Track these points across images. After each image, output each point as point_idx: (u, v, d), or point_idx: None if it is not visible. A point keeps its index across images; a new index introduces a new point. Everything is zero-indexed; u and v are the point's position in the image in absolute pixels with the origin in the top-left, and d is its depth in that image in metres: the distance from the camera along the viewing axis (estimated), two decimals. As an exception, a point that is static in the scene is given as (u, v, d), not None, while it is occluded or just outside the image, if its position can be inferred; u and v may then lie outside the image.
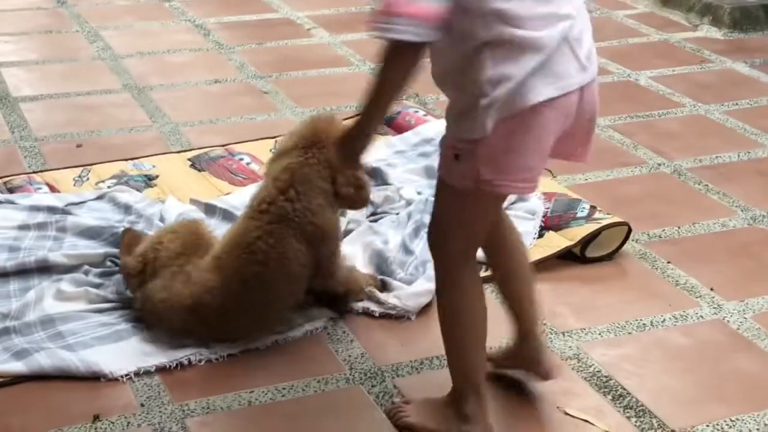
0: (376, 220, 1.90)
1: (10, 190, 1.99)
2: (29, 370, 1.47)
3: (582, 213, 1.87)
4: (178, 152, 2.20)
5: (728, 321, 1.66)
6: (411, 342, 1.56)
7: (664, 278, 1.78)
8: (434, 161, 1.63)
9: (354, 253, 1.75)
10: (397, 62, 1.16)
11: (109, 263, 1.72)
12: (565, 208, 1.89)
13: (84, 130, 2.33)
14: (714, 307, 1.69)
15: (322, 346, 1.56)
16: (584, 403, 1.44)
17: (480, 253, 1.35)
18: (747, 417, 1.42)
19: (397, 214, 1.91)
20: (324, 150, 1.50)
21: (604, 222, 1.83)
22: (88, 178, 2.07)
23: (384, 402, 1.43)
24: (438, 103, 2.39)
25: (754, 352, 1.58)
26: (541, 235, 1.84)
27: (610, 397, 1.46)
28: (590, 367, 1.52)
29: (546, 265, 1.78)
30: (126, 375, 1.47)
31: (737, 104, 2.55)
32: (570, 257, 1.81)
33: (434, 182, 1.29)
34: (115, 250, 1.74)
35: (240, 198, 1.90)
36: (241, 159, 2.15)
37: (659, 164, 2.21)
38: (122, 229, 1.76)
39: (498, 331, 1.43)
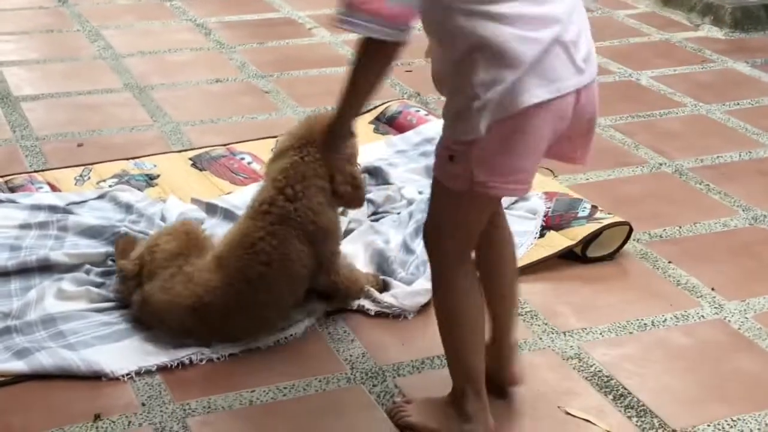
0: (377, 220, 1.90)
1: (12, 190, 1.99)
2: (30, 369, 1.47)
3: (583, 213, 1.87)
4: (179, 152, 2.20)
5: (729, 321, 1.66)
6: (412, 341, 1.56)
7: (665, 278, 1.78)
8: (435, 161, 1.64)
9: (355, 253, 1.75)
10: (367, 59, 1.18)
11: (110, 262, 1.72)
12: (566, 207, 1.89)
13: (85, 130, 2.33)
14: (715, 307, 1.69)
15: (323, 346, 1.56)
16: (585, 402, 1.44)
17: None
18: (748, 417, 1.42)
19: (399, 213, 1.91)
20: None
21: (606, 222, 1.83)
22: (89, 178, 2.07)
23: (385, 401, 1.43)
24: (439, 103, 2.38)
25: (756, 352, 1.57)
26: (542, 235, 1.84)
27: (611, 396, 1.46)
28: (591, 366, 1.52)
29: (547, 264, 1.78)
30: (127, 374, 1.47)
31: (738, 104, 2.55)
32: (571, 257, 1.81)
33: (435, 182, 1.30)
34: (116, 250, 1.75)
35: (241, 197, 1.90)
36: (243, 158, 2.15)
37: (660, 164, 2.21)
38: (118, 233, 1.76)
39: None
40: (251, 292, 1.50)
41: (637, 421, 1.40)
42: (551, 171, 2.08)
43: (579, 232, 1.81)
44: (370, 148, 2.14)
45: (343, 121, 1.31)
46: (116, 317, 1.59)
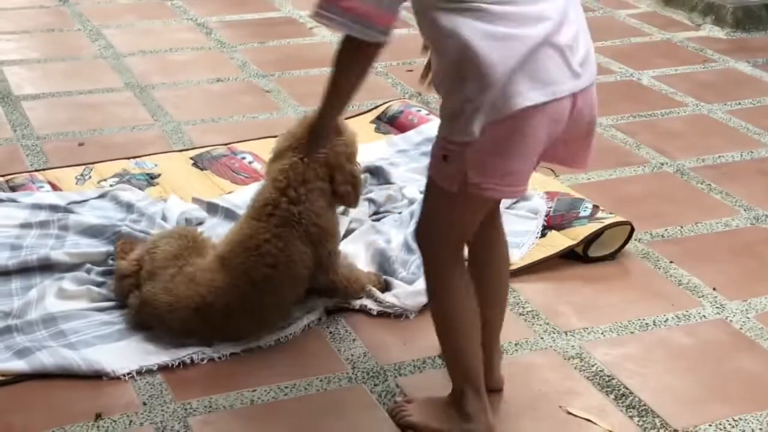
0: (378, 219, 1.89)
1: (12, 189, 1.99)
2: (31, 368, 1.47)
3: (585, 212, 1.87)
4: (180, 151, 2.20)
5: (731, 321, 1.65)
6: (413, 341, 1.56)
7: (666, 278, 1.78)
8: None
9: (356, 252, 1.75)
10: (348, 59, 1.19)
11: (111, 262, 1.72)
12: (567, 207, 1.89)
13: (86, 129, 2.32)
14: (717, 307, 1.69)
15: (325, 345, 1.56)
16: (587, 402, 1.44)
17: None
18: (750, 417, 1.42)
19: (400, 213, 1.91)
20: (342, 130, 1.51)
21: (607, 221, 1.83)
22: (90, 177, 2.07)
23: (386, 401, 1.43)
24: (440, 103, 2.38)
25: (757, 352, 1.57)
26: (543, 235, 1.83)
27: (612, 396, 1.45)
28: (593, 366, 1.52)
29: (548, 264, 1.78)
30: (128, 373, 1.47)
31: (740, 104, 2.54)
32: (572, 257, 1.81)
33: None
34: (117, 249, 1.75)
35: (242, 197, 1.90)
36: (244, 158, 2.15)
37: (662, 164, 2.21)
38: (119, 232, 1.76)
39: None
40: (256, 293, 1.51)
41: (638, 421, 1.40)
42: (552, 171, 2.08)
43: (580, 231, 1.81)
44: (371, 147, 2.14)
45: (325, 120, 1.31)
46: (117, 316, 1.58)
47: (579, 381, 1.49)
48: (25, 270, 1.69)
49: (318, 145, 1.36)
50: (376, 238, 1.79)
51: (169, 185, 2.03)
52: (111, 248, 1.75)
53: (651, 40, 3.00)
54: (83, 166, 2.10)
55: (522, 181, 1.22)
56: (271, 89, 2.59)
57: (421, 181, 2.01)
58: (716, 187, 2.10)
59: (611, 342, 1.59)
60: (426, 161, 2.07)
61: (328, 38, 2.97)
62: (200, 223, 1.88)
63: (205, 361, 1.50)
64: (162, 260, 1.54)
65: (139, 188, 2.00)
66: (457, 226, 1.27)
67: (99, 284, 1.66)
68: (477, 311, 1.31)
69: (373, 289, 1.64)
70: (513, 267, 1.74)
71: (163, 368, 1.48)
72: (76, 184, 2.04)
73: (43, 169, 2.10)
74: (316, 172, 1.51)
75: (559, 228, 1.85)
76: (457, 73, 1.15)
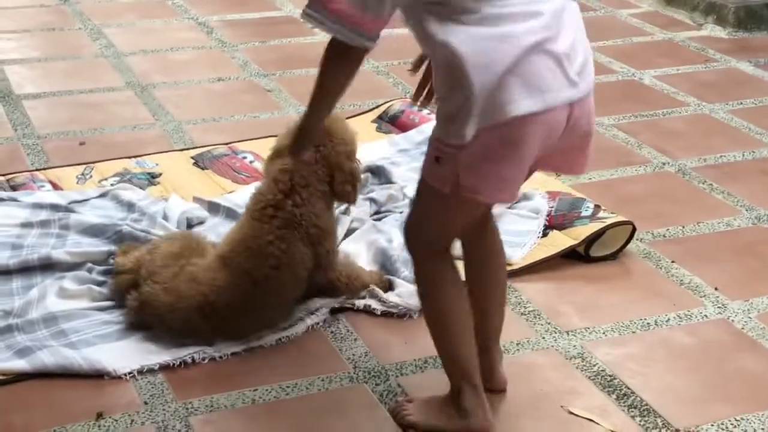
0: (380, 219, 1.89)
1: (13, 188, 1.99)
2: (32, 368, 1.46)
3: (586, 212, 1.86)
4: (181, 150, 2.20)
5: (733, 320, 1.65)
6: (415, 340, 1.56)
7: (668, 278, 1.78)
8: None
9: (358, 252, 1.74)
10: (335, 62, 1.20)
11: (112, 261, 1.71)
12: (569, 207, 1.89)
13: (87, 128, 2.32)
14: (718, 307, 1.69)
15: (326, 345, 1.56)
16: (588, 402, 1.44)
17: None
18: (751, 416, 1.41)
19: (401, 212, 1.90)
20: (319, 148, 1.52)
21: (609, 221, 1.82)
22: (91, 176, 2.06)
23: (388, 401, 1.43)
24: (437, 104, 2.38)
25: (759, 352, 1.57)
26: (545, 234, 1.83)
27: (614, 396, 1.45)
28: (594, 366, 1.52)
29: (550, 264, 1.77)
30: (129, 373, 1.46)
31: (742, 103, 2.54)
32: (574, 256, 1.80)
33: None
34: (118, 248, 1.74)
35: (243, 196, 1.89)
36: (245, 157, 2.15)
37: (663, 163, 2.21)
38: (120, 231, 1.76)
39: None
40: (257, 293, 1.51)
41: (640, 421, 1.40)
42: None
43: (582, 231, 1.81)
44: (372, 147, 2.14)
45: (311, 122, 1.32)
46: (118, 316, 1.58)
47: (580, 381, 1.48)
48: (26, 269, 1.69)
49: (304, 146, 1.36)
50: (378, 238, 1.78)
51: (170, 184, 2.03)
52: (112, 247, 1.74)
53: (652, 40, 3.00)
54: (84, 166, 2.10)
55: (514, 187, 1.23)
56: (272, 88, 2.58)
57: (422, 181, 2.02)
58: (718, 187, 2.10)
59: (613, 342, 1.58)
60: (427, 161, 2.10)
61: (330, 37, 2.97)
62: (201, 223, 1.88)
63: (206, 361, 1.50)
64: (162, 259, 1.54)
65: (140, 187, 2.00)
66: (447, 227, 1.27)
67: (100, 283, 1.66)
68: (469, 310, 1.31)
69: (377, 288, 1.64)
70: (514, 267, 1.75)
71: (165, 367, 1.48)
72: (77, 183, 2.03)
73: (44, 169, 2.10)
74: (317, 174, 1.52)
75: (561, 228, 1.84)
76: (448, 78, 1.15)
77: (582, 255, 1.81)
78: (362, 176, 1.92)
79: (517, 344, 1.57)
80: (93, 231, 1.81)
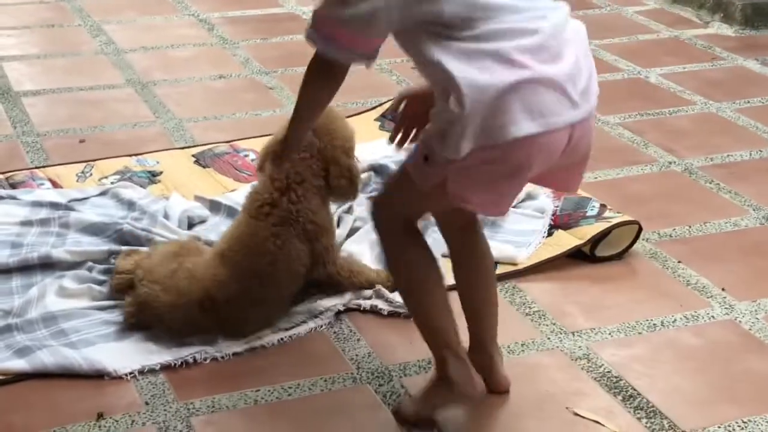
0: (382, 218, 1.88)
1: (12, 186, 1.98)
2: (32, 367, 1.45)
3: (592, 212, 1.85)
4: (182, 148, 2.18)
5: (740, 321, 1.64)
6: (418, 341, 1.53)
7: (674, 278, 1.76)
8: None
9: (361, 252, 1.73)
10: (321, 75, 1.20)
11: (113, 261, 1.70)
12: (574, 206, 1.87)
13: (87, 126, 2.31)
14: (725, 308, 1.67)
15: (329, 345, 1.55)
16: (594, 403, 1.42)
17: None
18: (759, 418, 1.40)
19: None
20: (314, 144, 1.51)
21: (614, 221, 1.81)
22: (91, 174, 2.05)
23: (391, 401, 1.42)
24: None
25: (767, 353, 1.56)
26: (550, 234, 1.82)
27: (620, 397, 1.44)
28: (600, 367, 1.51)
29: (555, 264, 1.76)
30: (130, 373, 1.45)
31: (749, 102, 2.52)
32: (579, 256, 1.79)
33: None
34: (119, 247, 1.73)
35: (245, 195, 1.88)
36: (246, 155, 2.14)
37: (670, 162, 2.19)
38: (120, 230, 1.76)
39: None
40: (255, 288, 1.51)
41: (646, 423, 1.39)
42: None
43: (587, 231, 1.80)
44: (375, 145, 2.12)
45: (296, 133, 1.34)
46: (118, 315, 1.57)
47: (586, 382, 1.47)
48: (25, 268, 1.67)
49: (286, 157, 1.38)
50: (381, 237, 1.77)
51: (171, 183, 2.01)
52: (112, 246, 1.74)
53: (659, 38, 2.98)
54: (84, 164, 2.09)
55: (505, 204, 1.23)
56: (273, 86, 2.57)
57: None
58: (725, 187, 2.08)
59: (619, 342, 1.57)
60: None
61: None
62: (203, 222, 1.87)
63: (208, 361, 1.49)
64: (159, 256, 1.54)
65: (141, 186, 1.99)
66: (424, 212, 1.29)
67: (100, 282, 1.64)
68: (440, 275, 1.30)
69: (383, 288, 1.63)
70: (519, 266, 1.74)
71: (166, 368, 1.47)
72: (77, 181, 2.02)
73: (44, 166, 2.08)
74: (312, 169, 1.52)
75: (566, 227, 1.83)
76: (445, 95, 1.14)
77: (587, 255, 1.79)
78: (365, 175, 1.91)
79: (522, 345, 1.56)
80: (93, 230, 1.80)
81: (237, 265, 1.51)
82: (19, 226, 1.81)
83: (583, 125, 1.18)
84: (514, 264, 1.74)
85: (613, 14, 3.19)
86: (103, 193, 1.94)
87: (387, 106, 2.35)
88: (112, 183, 2.00)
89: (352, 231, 1.80)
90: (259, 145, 2.17)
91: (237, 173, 2.07)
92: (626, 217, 1.83)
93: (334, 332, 1.58)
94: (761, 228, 1.94)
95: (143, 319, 1.53)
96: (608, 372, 1.49)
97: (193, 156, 2.14)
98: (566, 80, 1.14)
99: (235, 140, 2.21)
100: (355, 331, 1.58)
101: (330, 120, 1.52)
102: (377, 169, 2.03)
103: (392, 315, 1.61)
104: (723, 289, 1.72)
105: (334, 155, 1.52)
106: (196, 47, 2.84)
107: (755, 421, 1.39)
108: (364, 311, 1.62)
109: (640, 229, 1.82)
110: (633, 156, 2.21)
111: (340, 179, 1.53)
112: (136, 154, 2.13)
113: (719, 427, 1.38)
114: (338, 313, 1.61)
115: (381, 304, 1.61)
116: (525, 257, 1.75)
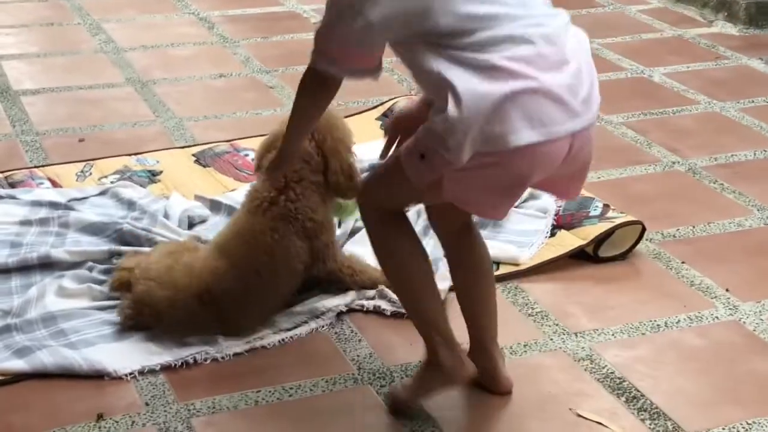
0: (384, 217, 1.87)
1: (12, 185, 1.97)
2: (31, 368, 1.44)
3: (595, 212, 1.84)
4: (183, 147, 2.18)
5: (744, 322, 1.63)
6: (419, 341, 1.53)
7: (678, 278, 1.75)
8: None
9: (364, 253, 1.72)
10: (315, 88, 1.22)
11: (114, 261, 1.69)
12: (577, 206, 1.86)
13: (86, 125, 2.30)
14: (729, 308, 1.66)
15: (330, 346, 1.54)
16: (597, 404, 1.42)
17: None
18: (763, 420, 1.40)
19: (407, 211, 1.88)
20: (312, 141, 1.52)
21: (618, 221, 1.80)
22: (90, 173, 2.04)
23: (393, 403, 1.41)
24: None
25: (771, 354, 1.55)
26: (553, 234, 1.81)
27: (623, 399, 1.43)
28: (603, 368, 1.50)
29: (558, 264, 1.75)
30: (130, 373, 1.44)
31: (753, 101, 2.51)
32: (582, 256, 1.78)
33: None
34: (119, 247, 1.72)
35: (244, 194, 1.87)
36: (247, 155, 2.13)
37: (673, 162, 2.18)
38: (120, 230, 1.75)
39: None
40: (253, 282, 1.51)
41: (650, 424, 1.38)
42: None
43: (591, 231, 1.79)
44: (376, 145, 2.11)
45: (291, 145, 1.35)
46: (118, 315, 1.56)
47: (589, 383, 1.46)
48: (25, 268, 1.67)
49: (281, 167, 1.39)
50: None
51: (171, 182, 2.01)
52: (112, 246, 1.73)
53: (662, 37, 2.97)
54: (83, 163, 2.08)
55: (503, 209, 1.23)
56: (274, 85, 2.56)
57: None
58: (729, 187, 2.08)
59: (622, 343, 1.56)
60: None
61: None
62: (203, 221, 1.86)
63: (208, 361, 1.48)
64: (158, 255, 1.55)
65: (141, 185, 1.98)
66: (406, 200, 1.29)
67: (100, 282, 1.64)
68: (428, 266, 1.31)
69: (386, 289, 1.62)
70: (522, 267, 1.73)
71: (166, 368, 1.46)
72: (77, 180, 2.01)
73: (43, 166, 2.07)
74: (310, 165, 1.52)
75: (569, 227, 1.82)
76: (443, 104, 1.14)
77: (591, 255, 1.78)
78: (365, 175, 1.90)
79: (525, 346, 1.55)
80: (93, 229, 1.79)
81: (235, 258, 1.51)
82: (18, 226, 1.80)
83: (584, 134, 1.18)
84: (517, 264, 1.73)
85: (616, 13, 3.18)
86: (102, 193, 1.93)
87: (388, 105, 2.35)
88: (111, 182, 1.99)
89: (354, 232, 1.79)
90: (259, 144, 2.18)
91: (237, 172, 2.06)
92: (629, 217, 1.82)
93: (336, 333, 1.57)
94: (765, 228, 1.93)
95: (142, 319, 1.52)
96: (611, 373, 1.49)
97: (193, 155, 2.13)
98: (567, 89, 1.14)
99: (235, 139, 2.20)
100: (357, 332, 1.57)
101: (330, 117, 1.53)
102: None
103: (395, 315, 1.60)
104: (727, 290, 1.71)
105: (334, 147, 1.53)
106: (196, 46, 2.83)
107: (759, 423, 1.39)
108: (367, 312, 1.61)
109: (644, 230, 1.81)
110: (636, 156, 2.21)
111: (338, 175, 1.52)
112: (135, 154, 2.12)
113: (723, 429, 1.38)
114: (339, 314, 1.60)
115: (384, 305, 1.61)
116: (527, 257, 1.75)
